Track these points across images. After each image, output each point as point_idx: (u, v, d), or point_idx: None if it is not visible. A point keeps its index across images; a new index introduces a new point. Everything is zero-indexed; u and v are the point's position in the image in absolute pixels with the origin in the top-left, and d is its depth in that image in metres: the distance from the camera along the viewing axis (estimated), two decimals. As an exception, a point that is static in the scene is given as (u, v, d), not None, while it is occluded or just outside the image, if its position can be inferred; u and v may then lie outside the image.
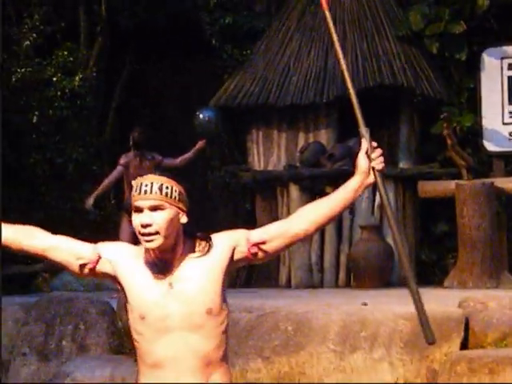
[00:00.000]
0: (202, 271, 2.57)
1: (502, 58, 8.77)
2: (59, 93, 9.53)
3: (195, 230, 2.64)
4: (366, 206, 8.71)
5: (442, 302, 6.05)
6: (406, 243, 8.85)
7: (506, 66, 8.77)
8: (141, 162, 8.11)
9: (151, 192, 2.58)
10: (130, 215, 8.73)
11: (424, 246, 9.09)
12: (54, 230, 9.08)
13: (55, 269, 9.12)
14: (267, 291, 8.12)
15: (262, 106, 9.21)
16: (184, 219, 2.60)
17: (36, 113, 9.30)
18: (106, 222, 9.86)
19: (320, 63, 9.18)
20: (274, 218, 9.14)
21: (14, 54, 9.36)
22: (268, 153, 9.36)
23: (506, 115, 8.72)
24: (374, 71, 8.91)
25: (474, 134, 8.90)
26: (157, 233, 2.55)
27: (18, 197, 9.06)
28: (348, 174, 8.86)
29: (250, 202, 9.55)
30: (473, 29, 8.92)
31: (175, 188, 2.59)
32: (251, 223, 9.44)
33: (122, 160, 8.13)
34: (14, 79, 9.18)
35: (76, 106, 9.69)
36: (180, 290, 2.55)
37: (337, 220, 8.82)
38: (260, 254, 2.64)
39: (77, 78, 9.64)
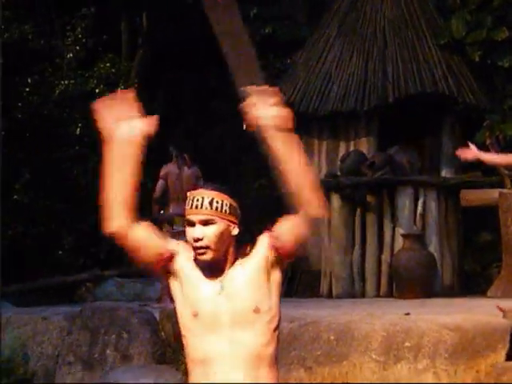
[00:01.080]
0: (249, 272, 2.65)
1: (546, 65, 8.67)
2: (102, 104, 9.64)
3: (245, 236, 2.69)
4: (407, 214, 8.65)
5: (486, 312, 5.97)
6: (449, 252, 8.78)
7: (549, 73, 8.66)
8: (180, 170, 8.16)
9: (202, 207, 2.63)
10: (171, 226, 8.78)
11: (467, 256, 8.99)
12: (97, 240, 9.14)
13: (98, 279, 9.21)
14: (309, 301, 8.11)
15: (302, 114, 9.21)
16: (235, 231, 2.65)
17: (79, 124, 9.41)
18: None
19: (361, 71, 9.15)
20: (315, 226, 9.11)
21: (58, 67, 9.50)
22: (309, 161, 9.33)
23: (550, 122, 8.60)
24: (416, 79, 8.86)
25: (517, 142, 8.80)
26: (208, 247, 2.62)
27: (62, 207, 9.17)
28: (389, 182, 8.79)
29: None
30: (516, 35, 8.84)
31: (226, 202, 2.64)
32: (292, 233, 9.43)
33: (162, 172, 8.19)
34: (57, 91, 9.31)
35: (118, 117, 9.79)
36: (230, 289, 2.63)
37: (378, 229, 8.76)
38: (283, 247, 2.63)
39: (119, 90, 9.74)
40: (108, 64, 9.82)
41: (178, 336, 6.17)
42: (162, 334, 6.35)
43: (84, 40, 9.56)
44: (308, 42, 9.74)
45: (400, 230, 8.62)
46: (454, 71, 9.02)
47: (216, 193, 2.63)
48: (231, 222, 2.64)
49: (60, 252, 9.27)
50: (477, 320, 5.54)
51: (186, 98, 11.02)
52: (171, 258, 2.68)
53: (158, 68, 10.67)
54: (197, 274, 2.67)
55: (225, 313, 2.62)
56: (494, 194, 8.16)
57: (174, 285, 2.70)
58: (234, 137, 10.75)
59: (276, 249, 2.65)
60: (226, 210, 2.63)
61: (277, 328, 2.66)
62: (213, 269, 2.66)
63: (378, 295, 8.66)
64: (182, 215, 8.70)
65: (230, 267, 2.66)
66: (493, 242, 8.66)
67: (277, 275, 2.67)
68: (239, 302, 2.63)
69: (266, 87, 2.62)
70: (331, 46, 9.46)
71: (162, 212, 8.44)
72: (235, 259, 2.68)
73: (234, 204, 2.65)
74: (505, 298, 7.47)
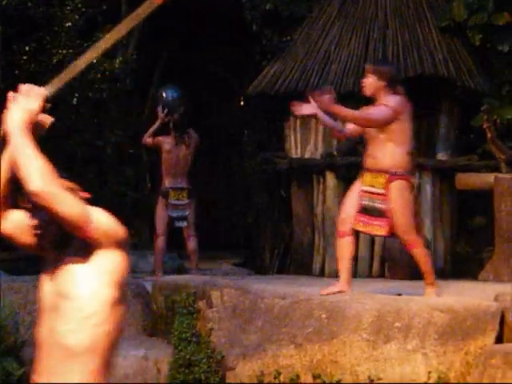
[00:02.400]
0: (64, 254, 2.57)
1: (546, 51, 8.64)
2: (99, 75, 9.59)
3: None
4: (402, 196, 8.65)
5: (477, 295, 6.01)
6: (442, 235, 8.81)
7: (549, 59, 8.64)
8: (176, 145, 8.16)
9: None
10: (166, 199, 8.82)
11: (460, 239, 9.02)
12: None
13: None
14: (301, 279, 8.12)
15: (300, 93, 9.18)
16: None
17: (76, 95, 9.37)
18: (141, 205, 9.92)
19: (360, 51, 9.12)
20: (310, 205, 9.13)
21: (56, 35, 9.43)
22: (305, 140, 9.34)
23: (548, 108, 8.59)
24: (415, 61, 8.83)
25: (514, 127, 8.80)
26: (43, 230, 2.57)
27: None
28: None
29: (285, 189, 9.55)
30: (516, 20, 8.80)
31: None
32: (286, 210, 9.44)
33: (156, 139, 8.16)
34: (54, 60, 9.25)
35: (116, 88, 9.76)
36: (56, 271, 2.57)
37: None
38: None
39: (117, 61, 9.69)
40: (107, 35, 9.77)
41: (169, 309, 6.19)
42: (154, 306, 6.36)
43: (83, 9, 9.49)
44: (307, 20, 9.69)
45: (394, 212, 8.62)
46: (454, 54, 8.99)
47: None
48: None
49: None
50: (468, 302, 5.57)
51: (185, 73, 10.97)
52: None
53: (157, 41, 10.61)
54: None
55: (47, 295, 2.57)
56: (489, 178, 8.16)
57: None
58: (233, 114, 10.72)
59: None
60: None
61: (93, 318, 2.51)
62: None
63: (370, 275, 8.69)
64: (178, 189, 8.75)
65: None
66: (486, 226, 8.68)
67: (95, 260, 2.55)
68: (52, 284, 2.56)
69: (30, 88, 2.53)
70: (331, 25, 9.41)
71: (149, 185, 8.39)
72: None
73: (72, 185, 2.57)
74: (496, 282, 7.51)
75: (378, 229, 5.96)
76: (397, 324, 5.46)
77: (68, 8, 9.55)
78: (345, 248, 6.02)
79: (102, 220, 2.52)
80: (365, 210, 5.99)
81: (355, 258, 8.78)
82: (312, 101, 5.97)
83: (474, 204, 8.90)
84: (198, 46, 11.10)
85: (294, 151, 9.38)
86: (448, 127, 9.06)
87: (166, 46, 10.88)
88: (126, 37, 10.16)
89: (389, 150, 5.91)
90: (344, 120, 6.10)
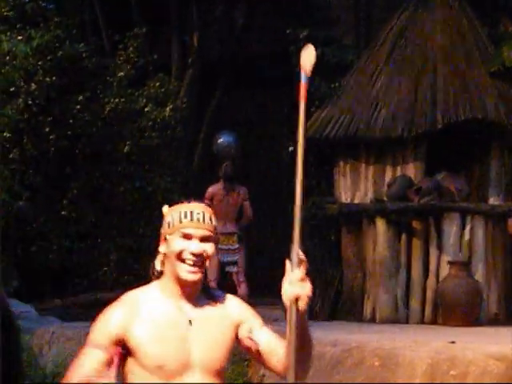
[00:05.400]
0: (217, 318, 2.47)
1: None
2: (150, 123, 9.73)
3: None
4: (453, 241, 8.57)
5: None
6: (495, 281, 8.67)
7: None
8: (227, 194, 8.18)
9: (204, 221, 2.45)
10: (216, 244, 8.76)
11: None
12: (142, 257, 9.19)
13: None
14: (352, 325, 8.05)
15: (350, 138, 9.20)
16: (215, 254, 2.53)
17: (128, 142, 9.50)
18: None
19: (409, 97, 9.12)
20: (360, 250, 9.07)
21: (108, 85, 9.61)
22: (355, 185, 9.32)
23: None
24: (465, 106, 8.80)
25: None
26: (202, 265, 2.43)
27: (108, 223, 9.26)
28: (436, 208, 8.62)
29: (335, 234, 9.51)
30: None
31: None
32: (336, 255, 9.39)
33: (208, 193, 8.17)
34: (107, 109, 9.41)
35: (166, 136, 9.88)
36: (199, 327, 2.43)
37: (423, 255, 8.69)
38: (250, 351, 2.52)
39: (167, 109, 9.83)
40: (157, 83, 9.92)
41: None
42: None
43: (135, 59, 9.67)
44: (356, 66, 9.74)
45: (446, 257, 8.54)
46: (504, 98, 8.94)
47: (212, 210, 2.48)
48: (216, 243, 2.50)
49: (105, 268, 9.35)
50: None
51: (235, 119, 11.07)
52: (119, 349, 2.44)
53: (208, 88, 10.75)
54: (157, 319, 2.44)
55: (195, 351, 2.39)
56: (542, 222, 8.03)
57: (127, 348, 2.44)
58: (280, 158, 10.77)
59: (245, 345, 2.49)
60: (216, 231, 2.50)
61: None
62: (178, 302, 2.47)
63: (422, 321, 8.56)
64: (227, 234, 8.72)
65: (196, 300, 2.47)
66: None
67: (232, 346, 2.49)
68: (211, 340, 2.42)
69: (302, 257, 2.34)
70: (380, 72, 9.44)
71: None
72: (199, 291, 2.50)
73: None
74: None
75: None
76: (452, 372, 5.37)
77: (121, 58, 9.74)
78: None
79: None
80: None
81: (407, 304, 8.70)
82: None
83: (527, 249, 8.75)
84: (246, 93, 11.22)
85: (344, 196, 9.37)
86: (499, 171, 8.97)
87: (216, 93, 11.01)
88: (176, 85, 10.33)
89: None
90: None
